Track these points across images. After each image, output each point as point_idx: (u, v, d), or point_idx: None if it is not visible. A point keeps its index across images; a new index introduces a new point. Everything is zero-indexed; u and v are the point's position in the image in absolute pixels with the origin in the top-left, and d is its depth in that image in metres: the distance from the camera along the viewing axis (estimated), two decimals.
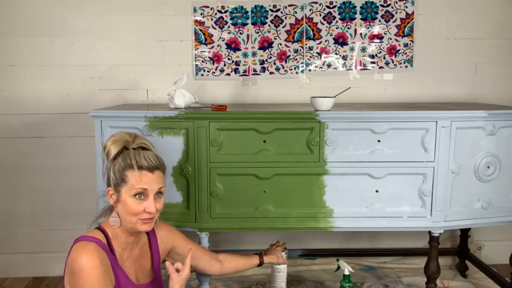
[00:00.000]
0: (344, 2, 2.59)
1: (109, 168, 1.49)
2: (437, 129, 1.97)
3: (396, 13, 2.60)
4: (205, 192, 2.01)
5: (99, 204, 2.01)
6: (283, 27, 2.60)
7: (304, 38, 2.61)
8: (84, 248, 1.41)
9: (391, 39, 2.62)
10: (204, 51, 2.60)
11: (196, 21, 2.58)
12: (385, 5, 2.59)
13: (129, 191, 1.46)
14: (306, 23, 2.60)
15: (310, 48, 2.62)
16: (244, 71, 2.63)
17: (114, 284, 1.44)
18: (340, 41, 2.62)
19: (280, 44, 2.61)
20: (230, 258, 1.95)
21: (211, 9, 2.57)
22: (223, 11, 2.58)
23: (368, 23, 2.61)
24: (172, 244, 1.74)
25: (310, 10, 2.59)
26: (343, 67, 2.64)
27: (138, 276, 1.58)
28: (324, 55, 2.62)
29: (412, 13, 2.60)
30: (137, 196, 1.46)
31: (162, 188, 1.51)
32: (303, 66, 2.63)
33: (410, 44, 2.63)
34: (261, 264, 2.00)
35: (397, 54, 2.63)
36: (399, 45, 2.63)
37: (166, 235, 1.71)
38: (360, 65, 2.64)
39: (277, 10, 2.59)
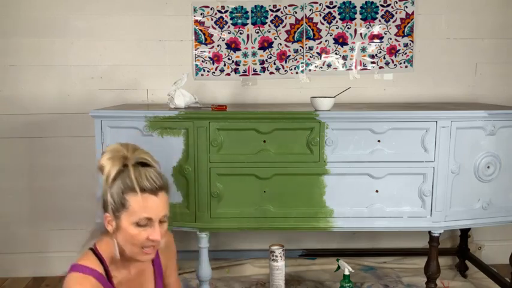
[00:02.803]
0: (344, 2, 2.59)
1: (105, 191, 1.32)
2: (437, 129, 1.97)
3: (396, 13, 2.60)
4: (205, 192, 2.01)
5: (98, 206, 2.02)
6: (283, 27, 2.60)
7: (304, 38, 2.61)
8: (77, 283, 1.28)
9: (391, 39, 2.62)
10: (204, 51, 2.60)
11: (196, 21, 2.58)
12: (385, 5, 2.59)
13: (130, 218, 1.29)
14: (306, 23, 2.60)
15: (310, 48, 2.61)
16: (244, 71, 2.63)
17: None
18: (340, 41, 2.62)
19: (280, 44, 2.61)
20: None
21: (211, 9, 2.57)
22: (223, 11, 2.58)
23: (368, 23, 2.61)
24: (167, 263, 1.57)
25: (310, 10, 2.59)
26: (343, 67, 2.64)
27: None
28: (324, 55, 2.62)
29: (412, 13, 2.60)
30: (140, 223, 1.30)
31: (166, 215, 1.35)
32: (303, 66, 2.63)
33: (410, 44, 2.63)
34: None
35: (397, 54, 2.63)
36: (399, 45, 2.63)
37: (167, 250, 1.54)
38: (360, 65, 2.64)
39: (277, 10, 2.59)
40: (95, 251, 1.37)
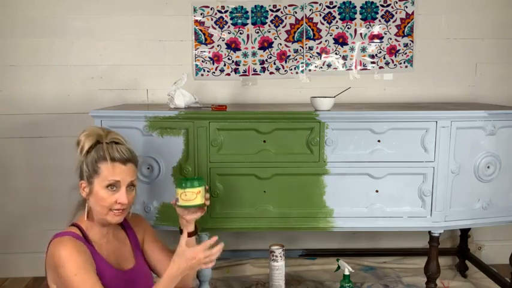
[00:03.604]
0: (344, 2, 2.59)
1: (82, 162, 1.52)
2: (437, 129, 1.97)
3: (396, 13, 2.60)
4: None
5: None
6: (283, 27, 2.60)
7: (304, 38, 2.61)
8: (58, 243, 1.46)
9: (391, 39, 2.62)
10: (204, 51, 2.60)
11: (196, 21, 2.58)
12: (385, 5, 2.59)
13: (101, 182, 1.48)
14: (306, 23, 2.60)
15: (310, 48, 2.61)
16: (244, 71, 2.63)
17: (95, 267, 1.47)
18: (340, 41, 2.62)
19: (280, 44, 2.61)
20: None
21: (211, 9, 2.57)
22: (223, 11, 2.58)
23: (368, 23, 2.61)
24: (143, 235, 1.73)
25: (310, 10, 2.59)
26: (343, 67, 2.64)
27: (119, 263, 1.60)
28: (324, 55, 2.62)
29: (412, 13, 2.60)
30: (109, 187, 1.49)
31: (134, 180, 1.54)
32: (303, 66, 2.63)
33: (410, 44, 2.63)
34: (190, 234, 1.61)
35: (397, 54, 2.63)
36: (399, 45, 2.63)
37: (138, 224, 1.73)
38: (360, 65, 2.64)
39: (277, 10, 2.59)
40: (73, 224, 1.58)
